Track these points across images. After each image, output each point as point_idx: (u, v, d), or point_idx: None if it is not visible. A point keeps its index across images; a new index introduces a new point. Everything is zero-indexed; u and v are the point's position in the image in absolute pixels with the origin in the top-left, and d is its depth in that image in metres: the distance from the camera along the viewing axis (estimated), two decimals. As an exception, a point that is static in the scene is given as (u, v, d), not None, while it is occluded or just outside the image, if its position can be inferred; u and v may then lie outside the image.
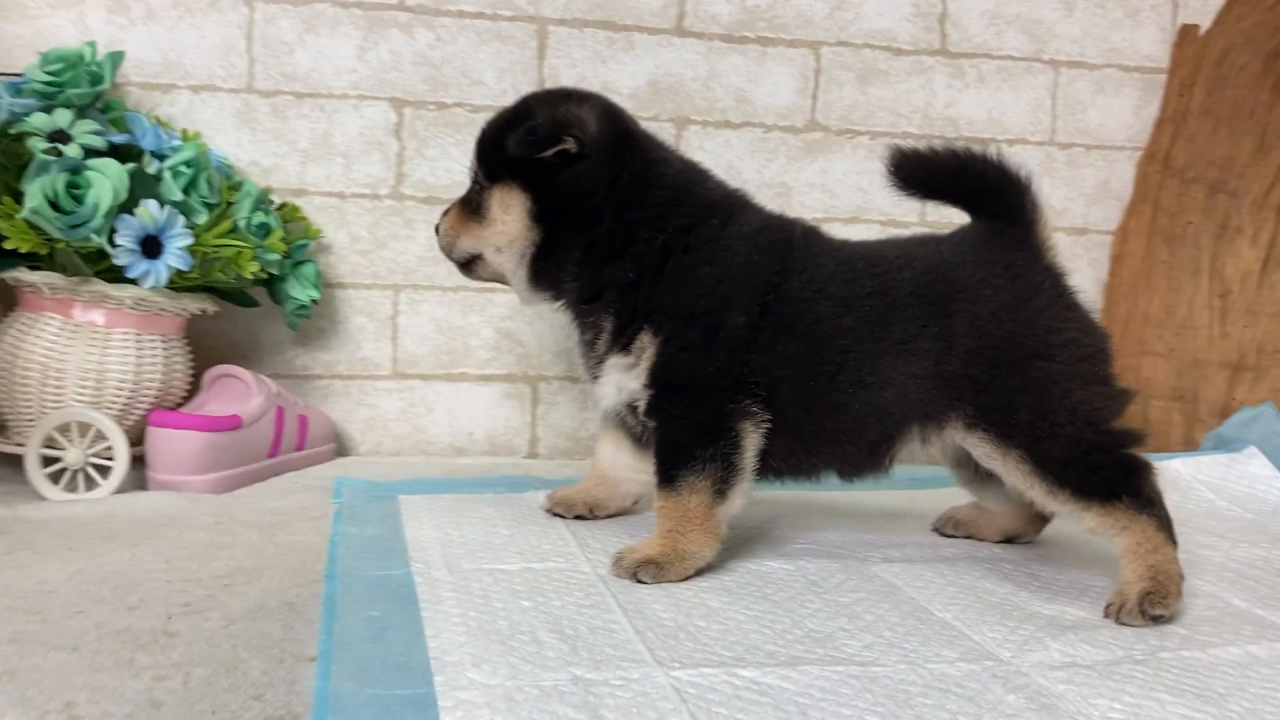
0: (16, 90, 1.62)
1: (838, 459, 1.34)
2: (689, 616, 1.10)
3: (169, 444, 1.61)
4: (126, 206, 1.60)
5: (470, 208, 1.40)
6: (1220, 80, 2.21)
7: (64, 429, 1.59)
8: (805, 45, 2.17)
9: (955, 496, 1.56)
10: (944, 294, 1.28)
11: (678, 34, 2.12)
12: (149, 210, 1.61)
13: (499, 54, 2.05)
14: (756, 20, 2.15)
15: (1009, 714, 0.90)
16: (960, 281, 1.29)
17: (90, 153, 1.59)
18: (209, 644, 0.98)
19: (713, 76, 2.14)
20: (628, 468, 1.50)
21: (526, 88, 2.02)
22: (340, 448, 2.03)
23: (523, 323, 2.10)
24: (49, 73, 1.64)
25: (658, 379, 1.28)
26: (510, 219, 1.35)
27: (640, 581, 1.20)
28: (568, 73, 2.08)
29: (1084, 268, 2.31)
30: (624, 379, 1.32)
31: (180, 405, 1.76)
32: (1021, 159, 1.35)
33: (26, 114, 1.59)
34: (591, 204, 1.31)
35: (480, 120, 1.44)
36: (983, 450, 1.27)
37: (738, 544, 1.36)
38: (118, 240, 1.59)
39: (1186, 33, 2.29)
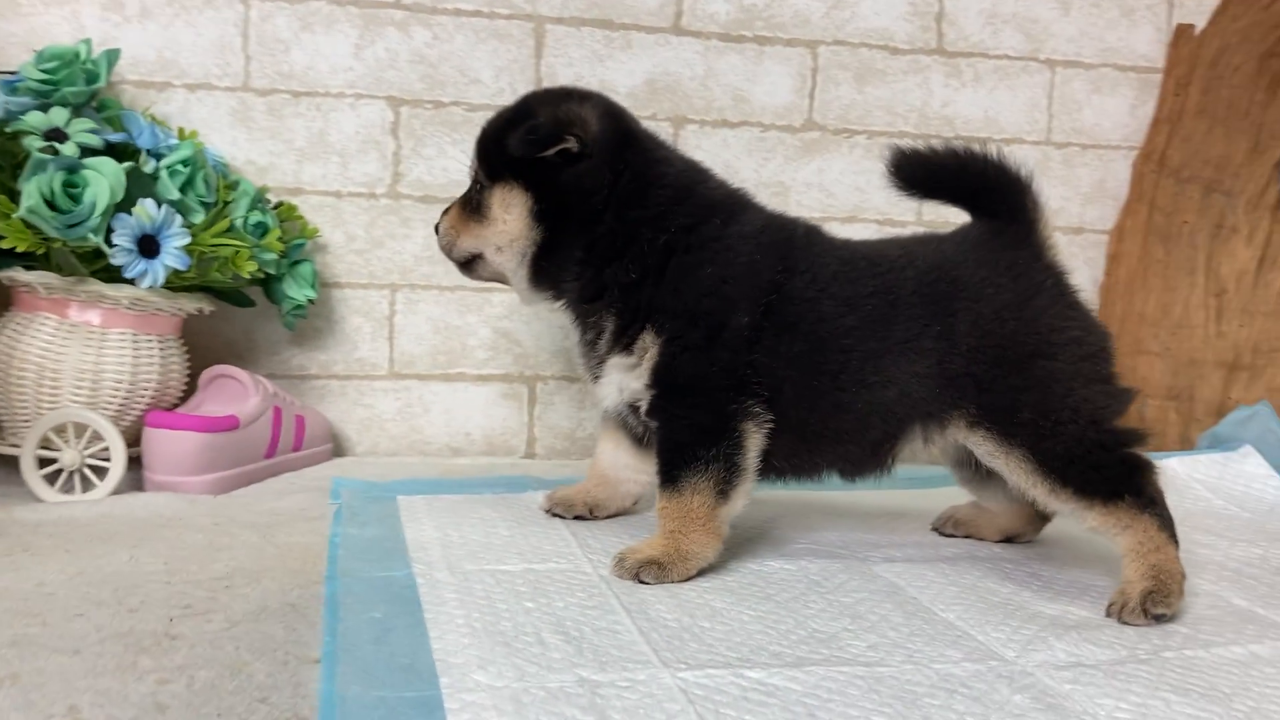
0: (11, 88, 1.61)
1: (840, 459, 1.34)
2: (693, 617, 1.10)
3: (166, 445, 1.61)
4: (123, 206, 1.59)
5: (471, 207, 1.39)
6: (1215, 80, 2.21)
7: (60, 430, 1.58)
8: (802, 44, 2.17)
9: (955, 496, 1.56)
10: (946, 293, 1.28)
11: (675, 33, 2.12)
12: (146, 209, 1.60)
13: (496, 52, 2.04)
14: (754, 19, 2.14)
15: (1016, 714, 0.90)
16: (963, 280, 1.29)
17: (87, 151, 1.58)
18: (212, 646, 0.98)
19: (710, 76, 2.13)
20: (628, 468, 1.50)
21: (524, 86, 2.02)
22: (337, 448, 2.02)
23: (520, 323, 2.09)
24: (44, 71, 1.63)
25: (660, 379, 1.28)
26: (511, 218, 1.34)
27: (643, 582, 1.20)
28: (565, 71, 2.07)
29: (1080, 267, 2.31)
30: (626, 379, 1.32)
31: (177, 406, 1.75)
32: (1018, 158, 1.36)
33: (22, 112, 1.58)
34: (593, 203, 1.31)
35: (477, 119, 1.44)
36: (985, 449, 1.27)
37: (739, 544, 1.36)
38: (115, 240, 1.58)
39: (1182, 32, 2.29)
